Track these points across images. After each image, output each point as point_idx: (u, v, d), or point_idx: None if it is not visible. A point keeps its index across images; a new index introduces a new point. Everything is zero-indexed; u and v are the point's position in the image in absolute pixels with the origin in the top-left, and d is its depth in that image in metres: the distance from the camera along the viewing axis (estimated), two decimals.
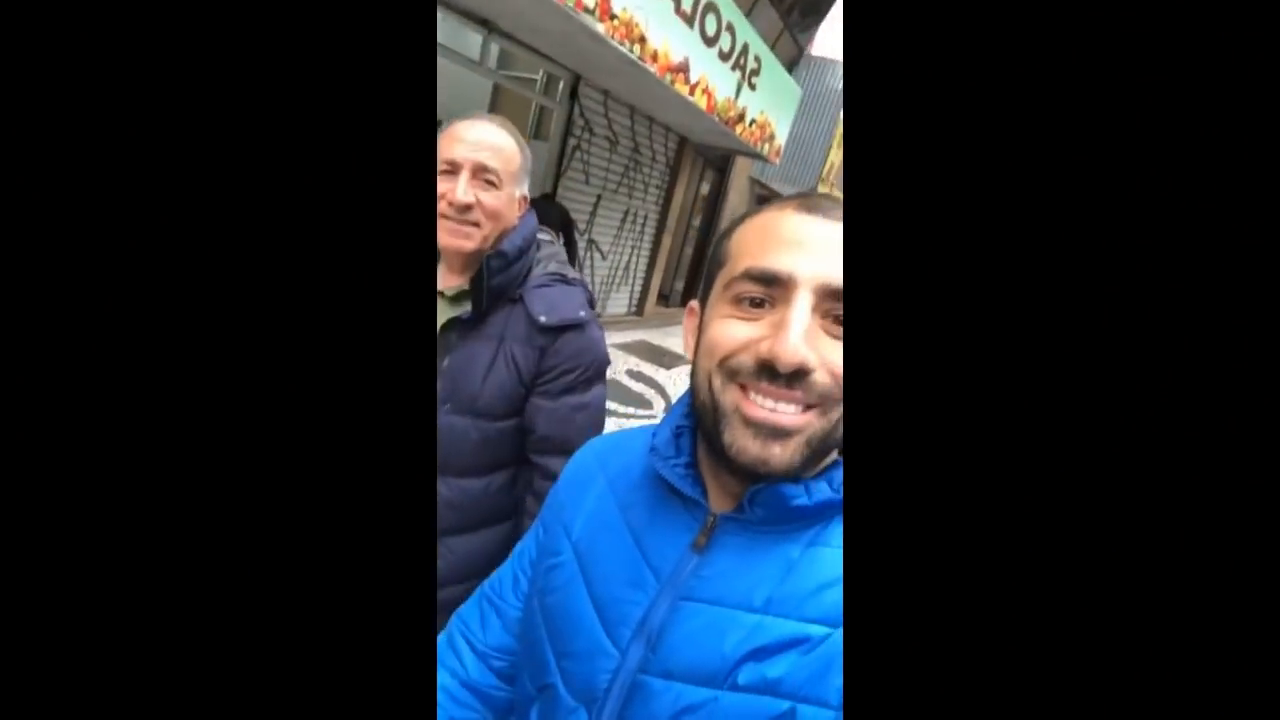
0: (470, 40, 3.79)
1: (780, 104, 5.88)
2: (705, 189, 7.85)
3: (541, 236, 1.01)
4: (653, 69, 3.76)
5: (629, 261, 6.65)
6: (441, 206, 0.86)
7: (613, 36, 3.31)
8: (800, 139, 6.81)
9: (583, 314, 0.93)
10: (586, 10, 3.06)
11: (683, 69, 4.06)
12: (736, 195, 8.31)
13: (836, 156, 7.86)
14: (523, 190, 0.94)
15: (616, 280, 6.56)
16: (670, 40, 3.80)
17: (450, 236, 0.87)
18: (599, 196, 5.64)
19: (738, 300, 0.42)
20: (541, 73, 4.63)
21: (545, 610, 0.52)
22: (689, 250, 8.19)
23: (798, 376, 0.39)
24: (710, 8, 4.09)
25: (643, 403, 4.34)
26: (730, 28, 4.43)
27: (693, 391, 0.47)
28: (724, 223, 6.96)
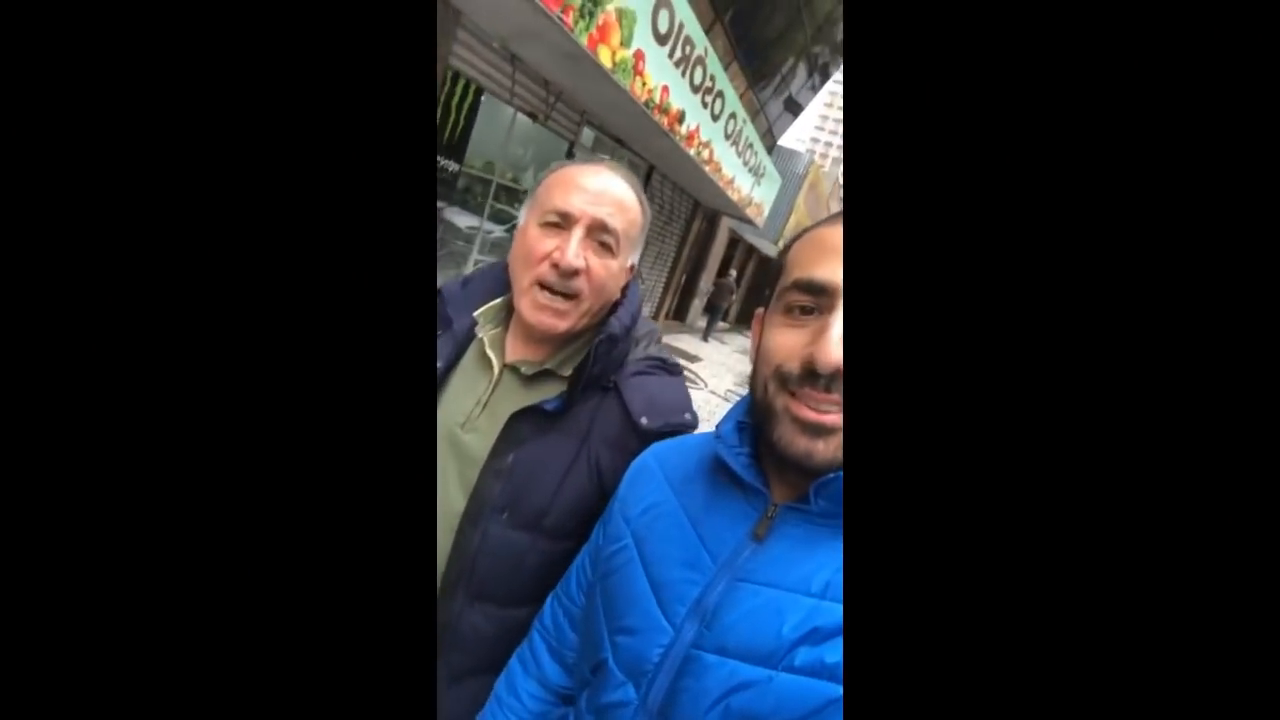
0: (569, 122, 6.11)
1: (770, 191, 8.66)
2: (698, 232, 10.48)
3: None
4: (719, 182, 6.31)
5: (652, 287, 9.16)
6: (539, 270, 0.66)
7: (706, 168, 5.81)
8: (774, 210, 9.71)
9: (688, 416, 0.72)
10: (702, 160, 5.53)
11: (731, 181, 6.64)
12: (720, 238, 11.01)
13: (793, 220, 10.76)
14: (634, 259, 0.74)
15: (643, 299, 9.10)
16: (731, 167, 6.38)
17: (538, 312, 0.67)
18: (647, 243, 8.13)
19: (789, 309, 0.46)
20: (625, 159, 7.02)
21: (605, 592, 0.54)
22: (683, 277, 10.78)
23: (837, 379, 0.41)
24: (750, 145, 6.72)
25: None
26: (756, 153, 7.09)
27: (750, 393, 0.50)
28: (710, 257, 9.79)
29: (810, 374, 0.42)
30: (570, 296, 0.67)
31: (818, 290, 0.43)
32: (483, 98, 4.08)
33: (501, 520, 0.67)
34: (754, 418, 0.49)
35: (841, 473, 0.41)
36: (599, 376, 0.69)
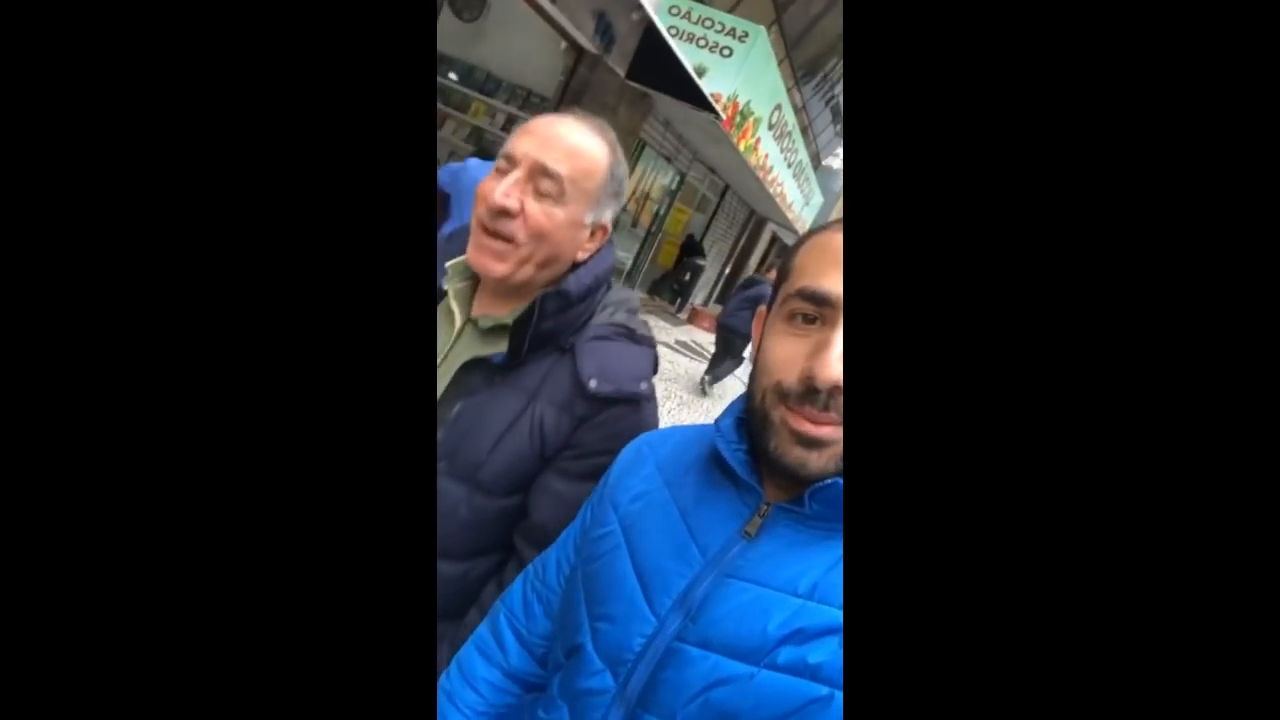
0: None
1: (814, 207, 10.80)
2: (749, 234, 12.63)
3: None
4: (781, 205, 8.40)
5: (710, 279, 11.33)
6: (479, 211, 0.66)
7: (776, 198, 7.89)
8: (815, 221, 11.88)
9: (643, 386, 0.71)
10: (775, 194, 7.60)
11: (791, 204, 8.75)
12: (764, 238, 13.17)
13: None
14: (600, 217, 0.71)
15: (704, 285, 11.26)
16: (790, 188, 8.48)
17: (476, 252, 0.67)
18: (713, 243, 10.27)
19: (791, 316, 0.45)
20: (707, 177, 9.09)
21: (586, 577, 0.53)
22: (728, 269, 12.96)
23: (836, 395, 0.42)
24: (807, 179, 8.80)
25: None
26: (809, 181, 9.17)
27: (748, 398, 0.50)
28: (754, 256, 12.06)
29: (809, 390, 0.42)
30: (506, 239, 0.65)
31: (821, 301, 0.44)
32: (645, 148, 6.19)
33: (440, 468, 0.67)
34: (750, 422, 0.49)
35: (837, 479, 0.42)
36: (552, 335, 0.68)
